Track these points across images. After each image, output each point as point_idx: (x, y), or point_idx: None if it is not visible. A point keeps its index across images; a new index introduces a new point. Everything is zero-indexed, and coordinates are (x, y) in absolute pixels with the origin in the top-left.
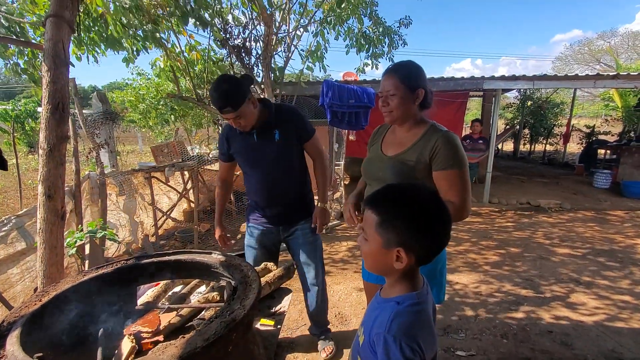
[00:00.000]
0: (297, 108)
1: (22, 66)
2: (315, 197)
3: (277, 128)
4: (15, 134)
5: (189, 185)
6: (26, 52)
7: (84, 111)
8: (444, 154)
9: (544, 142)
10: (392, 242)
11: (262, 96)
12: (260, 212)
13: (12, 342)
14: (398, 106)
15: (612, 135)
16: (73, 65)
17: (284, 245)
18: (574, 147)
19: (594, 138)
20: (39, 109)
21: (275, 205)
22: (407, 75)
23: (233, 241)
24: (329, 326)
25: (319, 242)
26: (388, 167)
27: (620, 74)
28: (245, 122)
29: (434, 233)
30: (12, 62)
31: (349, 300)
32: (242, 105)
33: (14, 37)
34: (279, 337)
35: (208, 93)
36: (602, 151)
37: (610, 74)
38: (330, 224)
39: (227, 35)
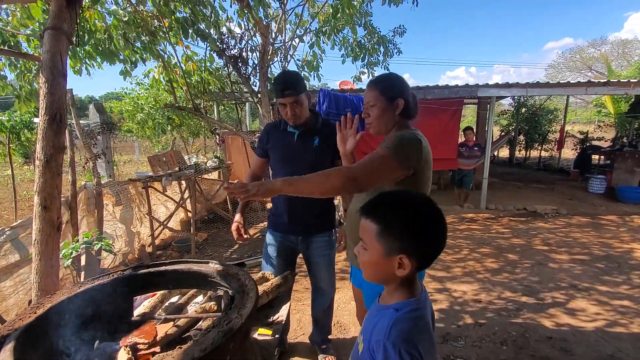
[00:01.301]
0: None
1: (13, 78)
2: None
3: (318, 135)
4: (10, 145)
5: (186, 195)
6: (19, 66)
7: (81, 122)
8: (385, 141)
9: (539, 148)
10: (394, 250)
11: (259, 105)
12: (280, 218)
13: (5, 356)
14: (378, 117)
15: (606, 141)
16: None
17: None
18: (569, 152)
19: (587, 144)
20: (35, 120)
21: (296, 211)
22: (386, 86)
23: (246, 236)
24: (329, 336)
25: (334, 252)
26: None
27: (611, 80)
28: (300, 112)
29: (435, 237)
30: None
31: (347, 309)
32: (302, 94)
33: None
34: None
35: (205, 103)
36: (596, 157)
37: (602, 81)
38: None
39: (224, 46)
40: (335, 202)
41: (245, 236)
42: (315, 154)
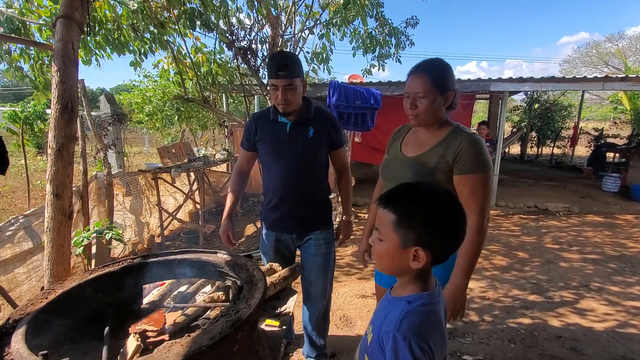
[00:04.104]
0: (335, 117)
1: (28, 69)
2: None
3: (312, 125)
4: (24, 135)
5: (194, 187)
6: (32, 55)
7: (92, 113)
8: (468, 157)
9: (552, 145)
10: (410, 241)
11: (268, 98)
12: (275, 214)
13: (17, 339)
14: (427, 110)
15: (621, 139)
16: None
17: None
18: (583, 150)
19: (602, 141)
20: (48, 111)
21: (292, 204)
22: (439, 76)
23: (236, 242)
24: (325, 351)
25: (333, 255)
26: (407, 167)
27: (629, 76)
28: (292, 98)
29: (453, 231)
30: (14, 66)
31: (354, 303)
32: (297, 78)
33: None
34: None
35: (214, 95)
36: (611, 154)
37: (619, 76)
38: None
39: (233, 37)
40: None
41: (233, 242)
42: (310, 145)
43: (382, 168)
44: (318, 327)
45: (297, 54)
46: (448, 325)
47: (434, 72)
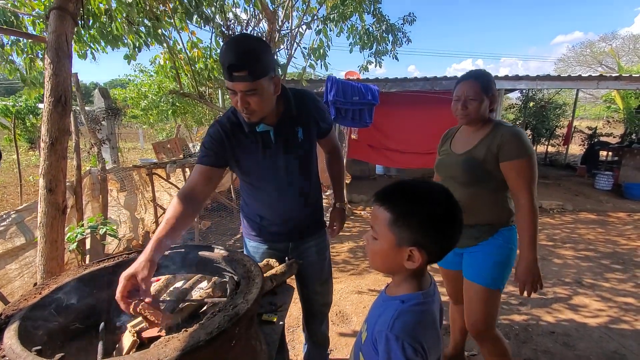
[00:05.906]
0: (313, 93)
1: (20, 62)
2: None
3: (300, 124)
4: (16, 130)
5: None
6: (25, 49)
7: (86, 107)
8: (509, 145)
9: (546, 143)
10: (406, 241)
11: None
12: (268, 228)
13: (10, 335)
14: (476, 110)
15: (614, 137)
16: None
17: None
18: (576, 148)
19: (595, 139)
20: (40, 105)
21: (292, 221)
22: (486, 83)
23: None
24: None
25: (330, 258)
26: (459, 163)
27: (623, 75)
28: (256, 106)
29: (450, 232)
30: (5, 59)
31: (350, 299)
32: (263, 78)
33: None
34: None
35: (209, 90)
36: (604, 153)
37: (613, 75)
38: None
39: (230, 32)
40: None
41: (141, 301)
42: (303, 150)
43: (437, 166)
44: (322, 330)
45: (294, 49)
46: (533, 295)
47: (483, 79)
